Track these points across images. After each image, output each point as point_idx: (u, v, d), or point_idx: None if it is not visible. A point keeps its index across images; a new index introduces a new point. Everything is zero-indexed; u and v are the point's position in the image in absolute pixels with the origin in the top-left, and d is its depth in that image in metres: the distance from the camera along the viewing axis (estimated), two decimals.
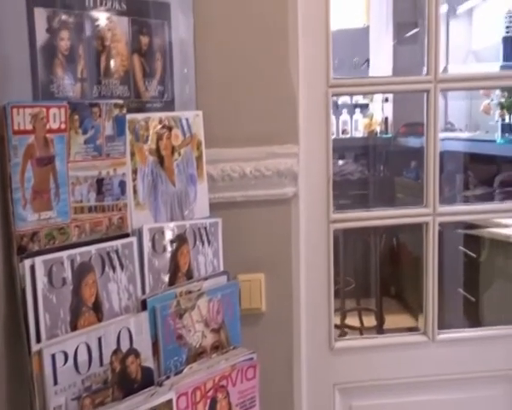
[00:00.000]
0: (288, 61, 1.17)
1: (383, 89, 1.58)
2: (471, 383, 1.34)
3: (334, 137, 4.11)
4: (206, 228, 1.07)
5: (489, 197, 2.46)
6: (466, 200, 2.70)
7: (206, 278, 1.05)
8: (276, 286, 1.23)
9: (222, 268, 1.10)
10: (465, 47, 4.05)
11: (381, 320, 2.83)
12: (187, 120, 1.06)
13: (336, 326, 2.68)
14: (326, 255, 1.26)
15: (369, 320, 2.99)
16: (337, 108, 4.23)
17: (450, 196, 2.88)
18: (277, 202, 1.19)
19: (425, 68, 1.26)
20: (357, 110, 4.35)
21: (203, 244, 1.07)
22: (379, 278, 2.92)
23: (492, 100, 2.88)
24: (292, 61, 1.17)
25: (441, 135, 3.36)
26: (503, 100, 2.67)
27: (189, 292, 1.01)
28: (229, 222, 1.13)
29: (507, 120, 2.74)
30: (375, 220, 1.31)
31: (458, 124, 3.81)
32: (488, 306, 2.25)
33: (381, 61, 4.18)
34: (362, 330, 2.96)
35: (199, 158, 1.08)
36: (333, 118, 4.50)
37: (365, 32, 4.35)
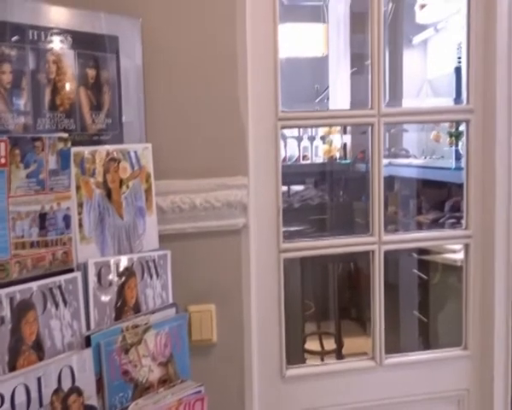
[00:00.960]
0: (237, 94, 1.20)
1: (330, 122, 1.64)
2: (418, 406, 1.38)
3: (295, 162, 4.20)
4: (154, 260, 1.07)
5: (440, 222, 2.56)
6: (419, 224, 2.79)
7: (153, 312, 1.04)
8: (227, 316, 1.23)
9: (171, 300, 1.09)
10: (421, 76, 4.26)
11: (339, 344, 2.85)
12: (135, 152, 1.06)
13: (296, 352, 2.68)
14: (277, 284, 1.28)
15: (331, 344, 3.01)
16: (298, 135, 4.33)
17: (405, 220, 2.98)
18: (227, 232, 1.21)
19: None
20: (318, 136, 4.46)
21: (151, 277, 1.06)
22: (337, 301, 2.95)
23: (441, 130, 3.03)
24: (241, 95, 1.20)
25: (396, 161, 3.48)
26: (451, 130, 2.81)
27: (136, 326, 1.00)
28: (180, 253, 1.13)
29: (459, 146, 2.86)
30: (324, 249, 1.34)
31: (414, 150, 3.95)
32: (441, 328, 2.32)
33: (340, 89, 4.32)
34: (323, 354, 2.97)
35: (148, 190, 1.09)
36: (294, 143, 4.54)
37: (326, 60, 4.50)
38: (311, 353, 2.91)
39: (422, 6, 3.49)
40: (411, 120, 1.50)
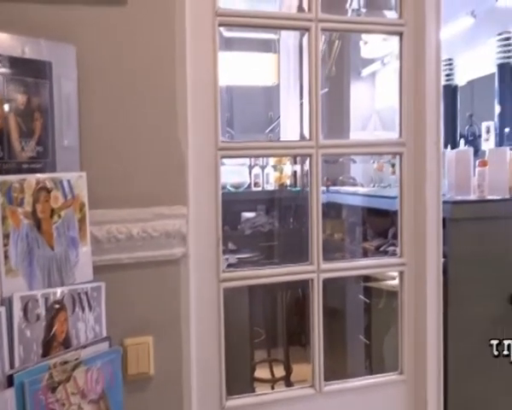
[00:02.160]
0: (176, 123, 1.20)
1: (271, 152, 1.67)
2: None
3: (246, 189, 4.23)
4: (87, 293, 1.04)
5: (382, 249, 2.64)
6: (364, 251, 2.87)
7: (84, 346, 1.00)
8: (165, 348, 1.20)
9: (104, 334, 1.06)
10: (370, 106, 4.45)
11: (288, 371, 2.84)
12: (68, 181, 1.03)
13: (244, 381, 2.64)
14: (216, 314, 1.26)
15: (281, 371, 2.99)
16: (250, 164, 4.38)
17: (351, 246, 3.05)
18: (166, 262, 1.19)
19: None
20: (269, 165, 4.53)
21: (83, 310, 1.03)
22: (286, 328, 2.96)
23: (389, 161, 3.17)
24: (180, 124, 1.21)
25: (344, 189, 3.57)
26: (393, 161, 2.94)
27: (65, 362, 0.96)
28: (116, 285, 1.10)
29: None
30: (264, 278, 1.35)
31: (362, 178, 4.08)
32: (385, 352, 2.37)
33: (291, 119, 4.43)
34: (273, 382, 2.94)
35: (81, 220, 1.06)
36: (246, 171, 4.57)
37: (277, 89, 4.62)
38: (261, 381, 2.88)
39: (366, 42, 3.69)
40: (348, 152, 1.56)
